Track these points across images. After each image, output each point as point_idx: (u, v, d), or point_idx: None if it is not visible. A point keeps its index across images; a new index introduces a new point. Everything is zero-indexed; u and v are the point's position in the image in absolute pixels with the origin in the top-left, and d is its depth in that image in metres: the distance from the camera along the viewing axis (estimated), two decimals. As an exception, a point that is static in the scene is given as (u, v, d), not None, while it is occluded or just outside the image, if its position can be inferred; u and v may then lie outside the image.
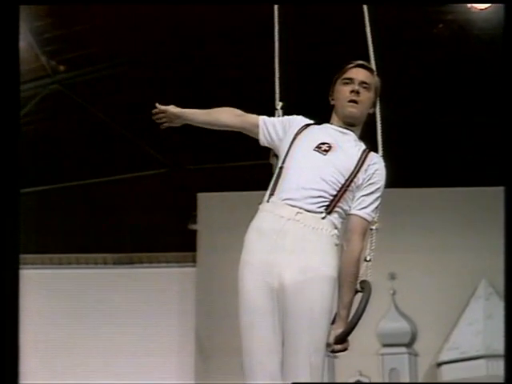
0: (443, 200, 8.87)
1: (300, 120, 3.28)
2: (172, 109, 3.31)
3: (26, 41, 7.44)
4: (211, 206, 9.04)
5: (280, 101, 3.41)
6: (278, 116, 3.37)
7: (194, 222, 9.04)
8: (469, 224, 8.75)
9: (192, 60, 8.12)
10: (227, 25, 7.44)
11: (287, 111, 3.38)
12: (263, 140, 3.29)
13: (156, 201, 9.09)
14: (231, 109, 3.35)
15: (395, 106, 8.06)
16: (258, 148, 3.41)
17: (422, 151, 8.83)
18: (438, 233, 8.74)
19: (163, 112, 3.30)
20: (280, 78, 3.44)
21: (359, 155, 3.14)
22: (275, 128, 3.27)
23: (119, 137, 8.94)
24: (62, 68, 8.46)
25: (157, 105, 3.31)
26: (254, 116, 3.33)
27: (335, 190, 3.06)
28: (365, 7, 3.55)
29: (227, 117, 3.32)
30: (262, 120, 3.31)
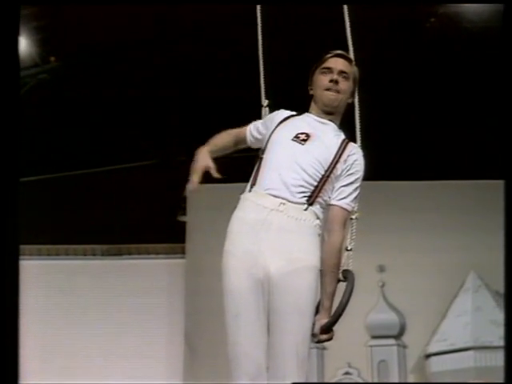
0: (432, 193, 8.88)
1: (281, 113, 3.29)
2: (210, 163, 3.28)
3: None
4: (200, 197, 9.02)
5: (266, 99, 3.44)
6: (265, 114, 3.41)
7: (183, 213, 9.02)
8: (458, 217, 8.76)
9: (182, 53, 8.09)
10: (213, 20, 7.41)
11: (275, 109, 3.39)
12: (250, 143, 3.37)
13: (145, 192, 9.06)
14: (225, 132, 3.40)
15: (390, 100, 8.09)
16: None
17: (418, 145, 8.80)
18: (426, 225, 8.75)
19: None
20: (265, 76, 3.45)
21: (338, 145, 3.14)
22: (258, 130, 3.33)
23: (109, 128, 8.91)
24: (51, 58, 8.41)
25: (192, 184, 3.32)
26: (244, 128, 3.39)
27: (315, 180, 3.07)
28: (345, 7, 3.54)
29: (226, 141, 3.38)
30: (248, 127, 3.37)
